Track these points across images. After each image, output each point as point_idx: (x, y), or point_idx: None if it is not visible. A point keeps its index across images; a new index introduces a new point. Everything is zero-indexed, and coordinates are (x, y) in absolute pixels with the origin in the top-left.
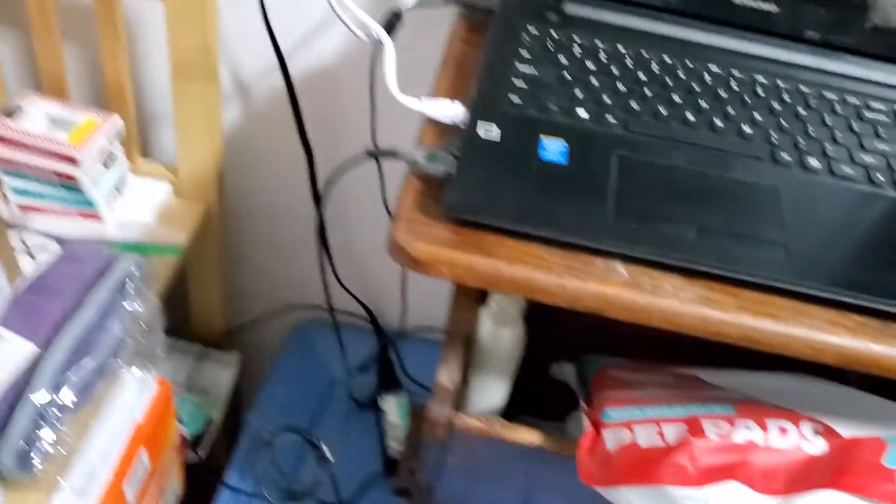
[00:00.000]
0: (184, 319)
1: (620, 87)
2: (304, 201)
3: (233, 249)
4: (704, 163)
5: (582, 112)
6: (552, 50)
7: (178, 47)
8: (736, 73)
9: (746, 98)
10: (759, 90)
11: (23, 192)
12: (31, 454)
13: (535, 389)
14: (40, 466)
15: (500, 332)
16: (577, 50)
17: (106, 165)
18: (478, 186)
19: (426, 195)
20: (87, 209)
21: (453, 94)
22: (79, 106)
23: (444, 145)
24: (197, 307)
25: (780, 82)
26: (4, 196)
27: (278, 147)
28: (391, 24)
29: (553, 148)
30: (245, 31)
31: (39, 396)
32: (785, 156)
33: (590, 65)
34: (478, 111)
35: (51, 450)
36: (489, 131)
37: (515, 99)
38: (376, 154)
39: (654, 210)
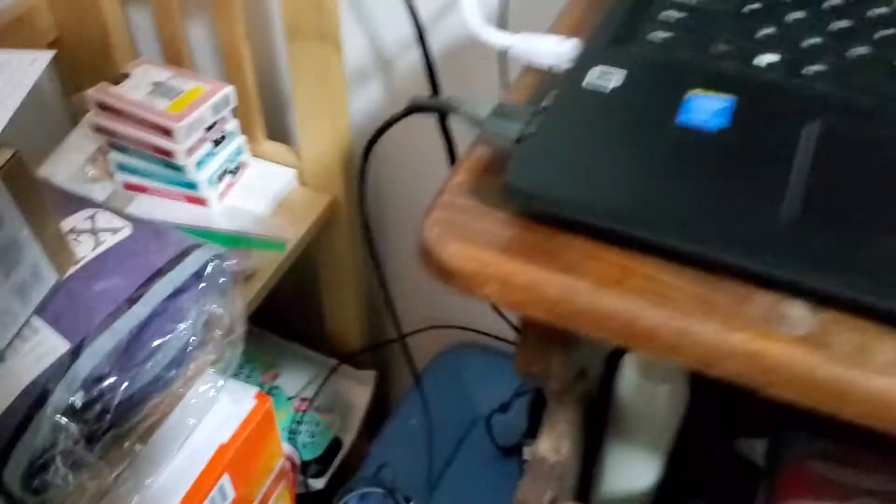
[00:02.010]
0: (320, 329)
1: (840, 25)
2: None
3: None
4: None
5: (767, 58)
6: None
7: (290, 3)
8: None
9: None
10: None
11: (128, 169)
12: (46, 476)
13: (716, 463)
14: (60, 488)
15: (651, 389)
16: None
17: (216, 143)
18: (564, 157)
19: (490, 172)
20: (193, 192)
21: (579, 32)
22: (195, 75)
23: (531, 97)
24: (331, 316)
25: None
26: (108, 175)
27: (420, 136)
28: None
29: (707, 107)
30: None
31: (58, 407)
32: None
33: None
34: (593, 50)
35: (71, 473)
36: (605, 76)
37: (659, 35)
38: (422, 107)
39: (872, 215)
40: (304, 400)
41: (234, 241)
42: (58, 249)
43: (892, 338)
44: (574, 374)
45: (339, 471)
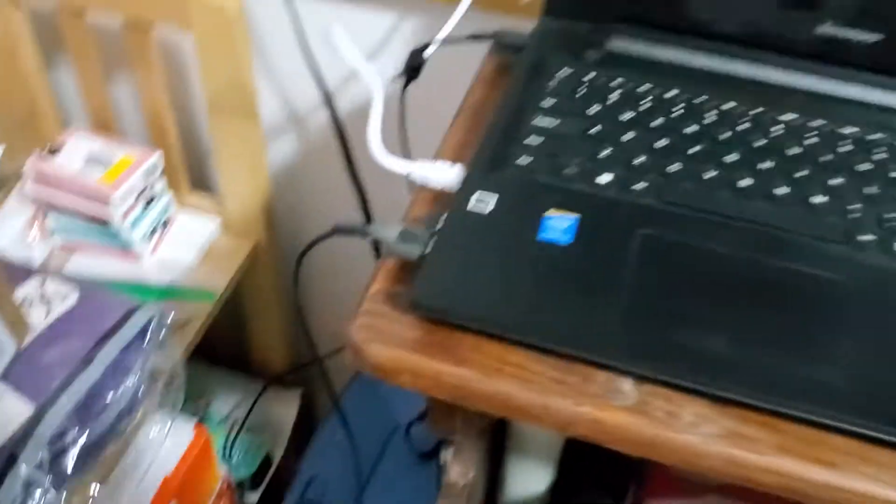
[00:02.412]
0: (246, 354)
1: (661, 143)
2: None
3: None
4: (754, 246)
5: (605, 177)
6: (583, 97)
7: (212, 80)
8: (816, 122)
9: (825, 157)
10: (844, 145)
11: (64, 230)
12: None
13: (599, 464)
14: None
15: None
16: (614, 96)
17: (147, 203)
18: (454, 274)
19: (401, 282)
20: (126, 248)
21: (462, 153)
22: (124, 142)
23: (427, 220)
24: (257, 343)
25: (873, 134)
26: (46, 236)
27: (331, 184)
28: (413, 67)
29: (558, 225)
30: (289, 66)
31: (29, 465)
32: (865, 236)
33: (627, 115)
34: (473, 177)
35: None
36: (481, 202)
37: (524, 160)
38: (344, 230)
39: (678, 311)
40: (235, 422)
41: (167, 293)
42: (15, 321)
43: (693, 403)
44: (475, 419)
45: (272, 483)
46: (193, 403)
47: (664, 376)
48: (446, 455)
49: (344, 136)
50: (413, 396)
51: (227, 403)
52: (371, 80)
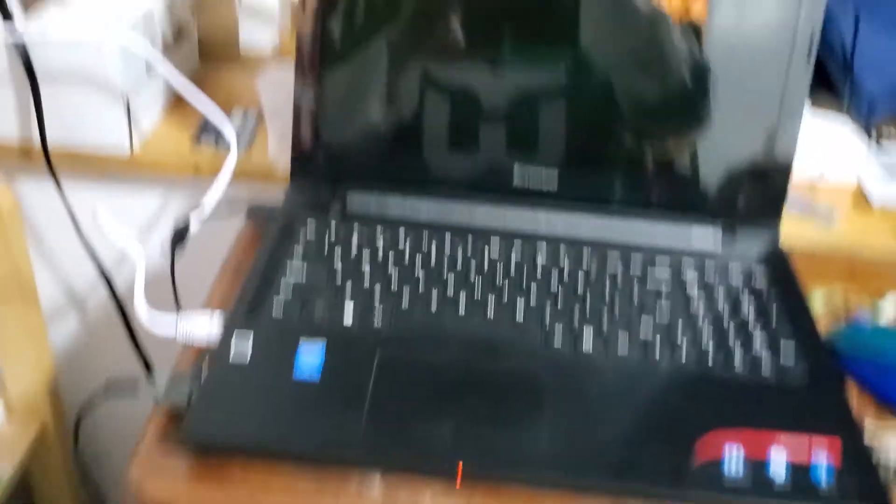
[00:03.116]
0: None
1: (393, 283)
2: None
3: (87, 463)
4: (473, 355)
5: (348, 316)
6: (328, 249)
7: None
8: (516, 254)
9: (524, 281)
10: (539, 271)
11: None
12: None
13: None
14: None
15: None
16: (354, 247)
17: None
18: (220, 411)
19: (173, 425)
20: None
21: (224, 307)
22: None
23: (192, 369)
24: None
25: (561, 259)
26: None
27: (118, 357)
28: (178, 241)
29: (310, 360)
30: (66, 250)
31: None
32: (557, 340)
33: (365, 262)
34: (231, 326)
35: None
36: (240, 347)
37: (278, 307)
38: (117, 389)
39: (410, 412)
40: None
41: None
42: None
43: (430, 486)
44: None
45: None
46: None
47: (400, 465)
48: None
49: (124, 310)
50: None
51: None
52: (134, 254)
